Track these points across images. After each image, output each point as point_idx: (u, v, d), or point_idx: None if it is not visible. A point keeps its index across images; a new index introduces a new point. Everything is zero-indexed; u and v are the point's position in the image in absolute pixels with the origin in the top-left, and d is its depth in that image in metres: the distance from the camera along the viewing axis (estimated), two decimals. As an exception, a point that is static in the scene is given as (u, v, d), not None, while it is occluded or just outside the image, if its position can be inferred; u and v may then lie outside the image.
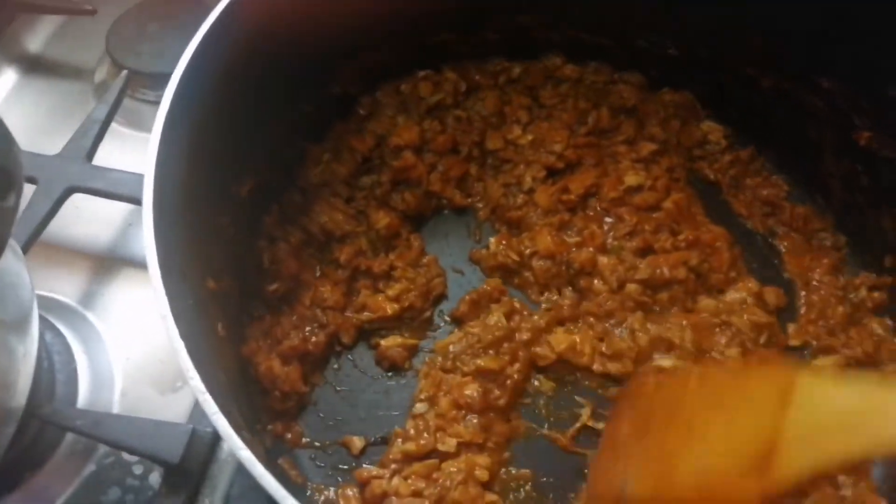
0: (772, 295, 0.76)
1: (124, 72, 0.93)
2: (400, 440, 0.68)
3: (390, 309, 0.76)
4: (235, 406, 0.59)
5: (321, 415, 0.73)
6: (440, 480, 0.64)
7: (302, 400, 0.72)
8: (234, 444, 0.43)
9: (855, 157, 0.77)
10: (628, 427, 0.64)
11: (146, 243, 0.50)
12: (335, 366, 0.76)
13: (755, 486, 0.51)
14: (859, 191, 0.78)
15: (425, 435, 0.68)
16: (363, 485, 0.66)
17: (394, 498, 0.64)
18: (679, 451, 0.58)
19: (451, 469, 0.65)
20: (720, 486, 0.54)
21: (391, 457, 0.67)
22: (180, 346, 0.45)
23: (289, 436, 0.70)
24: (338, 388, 0.74)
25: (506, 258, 0.79)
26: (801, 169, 0.84)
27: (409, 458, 0.67)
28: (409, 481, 0.65)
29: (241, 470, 0.71)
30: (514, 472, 0.69)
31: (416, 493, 0.64)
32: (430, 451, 0.67)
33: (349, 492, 0.66)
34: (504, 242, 0.80)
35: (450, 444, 0.67)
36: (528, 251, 0.79)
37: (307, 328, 0.74)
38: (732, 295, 0.76)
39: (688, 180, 0.86)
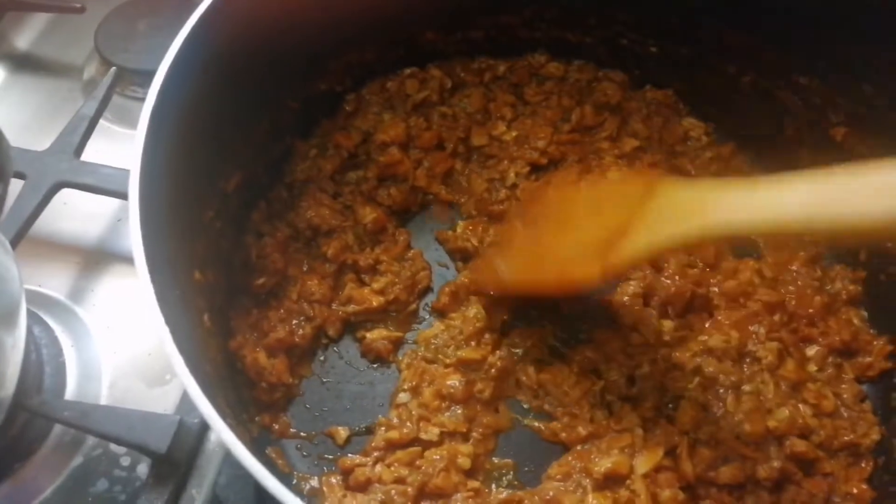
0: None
1: (113, 68, 0.93)
2: (383, 429, 0.69)
3: (376, 302, 0.77)
4: (221, 396, 0.60)
5: (307, 406, 0.74)
6: (423, 468, 0.65)
7: (290, 392, 0.73)
8: (219, 427, 0.44)
9: (831, 153, 0.79)
10: (519, 223, 0.72)
11: (132, 232, 0.51)
12: (321, 358, 0.77)
13: (601, 263, 0.59)
14: (836, 186, 0.80)
15: (408, 424, 0.69)
16: (347, 473, 0.67)
17: (377, 484, 0.65)
18: (550, 241, 0.67)
19: (434, 457, 0.66)
20: (573, 267, 0.62)
21: (374, 445, 0.68)
22: (165, 332, 0.46)
23: (276, 427, 0.71)
24: (324, 380, 0.75)
25: (465, 242, 0.81)
26: (779, 164, 0.85)
27: (392, 447, 0.68)
28: (392, 468, 0.66)
29: (228, 460, 0.71)
30: (496, 461, 0.70)
31: (399, 480, 0.65)
32: (413, 440, 0.68)
33: (333, 479, 0.67)
34: (470, 228, 0.81)
35: (432, 433, 0.68)
36: (488, 240, 0.80)
37: (294, 321, 0.75)
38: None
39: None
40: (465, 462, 0.66)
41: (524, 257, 0.69)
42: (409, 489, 0.64)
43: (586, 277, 0.61)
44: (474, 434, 0.70)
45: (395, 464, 0.66)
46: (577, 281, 0.62)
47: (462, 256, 0.82)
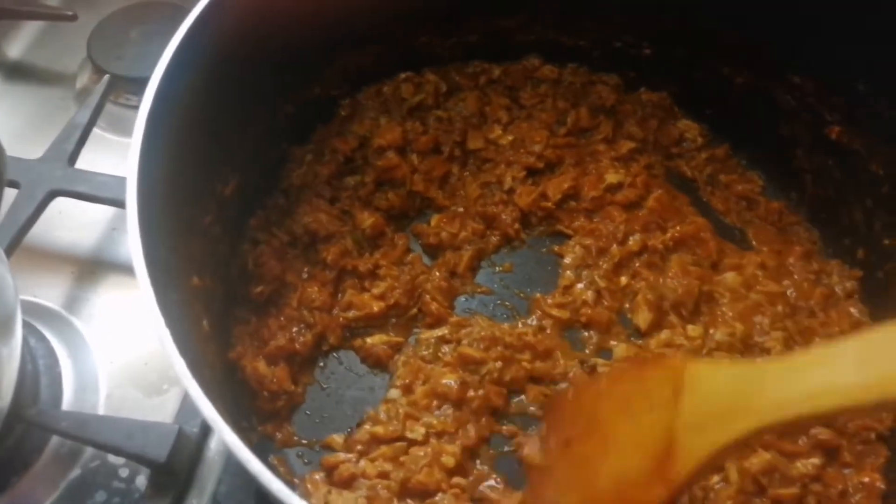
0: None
1: (106, 76, 0.93)
2: (369, 424, 0.69)
3: (376, 307, 0.76)
4: (220, 403, 0.59)
5: (307, 413, 0.73)
6: (406, 463, 0.65)
7: (292, 399, 0.72)
8: (221, 429, 0.43)
9: (827, 152, 0.80)
10: (554, 439, 0.66)
11: (130, 236, 0.50)
12: (321, 364, 0.76)
13: (664, 481, 0.52)
14: (832, 185, 0.81)
15: (395, 421, 0.68)
16: (330, 469, 0.66)
17: (361, 479, 0.64)
18: (597, 458, 0.59)
19: (419, 453, 0.66)
20: (635, 487, 0.55)
21: (356, 437, 0.68)
22: (166, 334, 0.45)
23: (279, 435, 0.71)
24: (324, 386, 0.75)
25: (437, 238, 0.81)
26: (774, 165, 0.87)
27: (376, 441, 0.67)
28: (376, 463, 0.65)
29: (228, 469, 0.71)
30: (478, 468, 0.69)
31: (383, 475, 0.64)
32: (399, 437, 0.68)
33: (317, 476, 0.66)
34: (444, 221, 0.82)
35: (418, 431, 0.67)
36: (460, 235, 0.81)
37: (294, 328, 0.74)
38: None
39: (665, 178, 0.88)
40: (448, 460, 0.65)
41: (577, 487, 0.61)
42: (393, 484, 0.63)
43: (655, 500, 0.53)
44: (461, 436, 0.68)
45: (380, 459, 0.65)
46: (646, 500, 0.55)
47: (433, 251, 0.82)
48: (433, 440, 0.68)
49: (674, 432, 0.53)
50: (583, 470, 0.61)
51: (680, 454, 0.52)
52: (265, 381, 0.70)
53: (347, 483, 0.65)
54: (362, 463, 0.66)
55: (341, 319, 0.76)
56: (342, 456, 0.67)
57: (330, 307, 0.76)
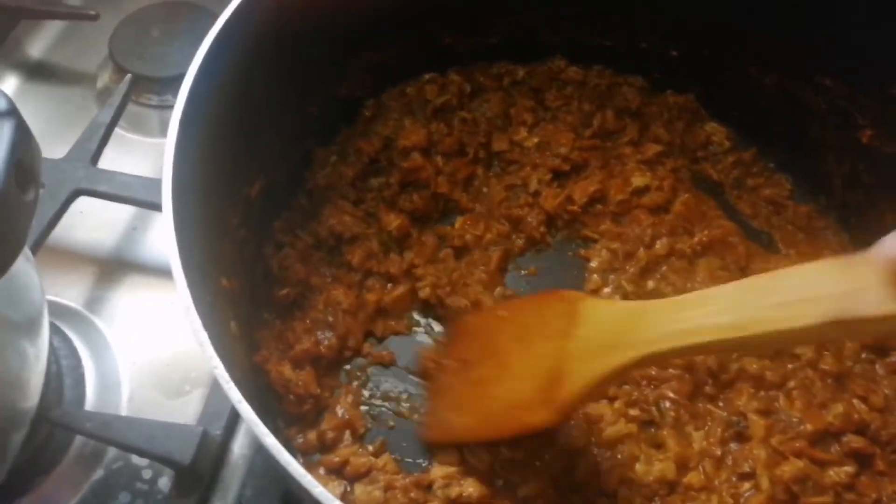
0: None
1: (128, 76, 0.92)
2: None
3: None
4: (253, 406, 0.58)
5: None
6: None
7: (318, 403, 0.71)
8: (260, 432, 0.43)
9: (857, 156, 0.79)
10: (454, 360, 0.70)
11: (167, 237, 0.50)
12: (346, 367, 0.75)
13: (551, 405, 0.57)
14: (862, 189, 0.80)
15: None
16: (338, 469, 0.66)
17: (375, 472, 0.65)
18: (491, 381, 0.64)
19: None
20: (524, 410, 0.60)
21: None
22: (204, 337, 0.45)
23: (301, 440, 0.70)
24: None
25: (461, 240, 0.80)
26: (803, 168, 0.86)
27: None
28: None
29: (253, 472, 0.70)
30: None
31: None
32: None
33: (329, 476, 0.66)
34: (468, 223, 0.81)
35: None
36: (485, 237, 0.80)
37: (319, 332, 0.73)
38: None
39: (692, 181, 0.87)
40: None
41: (471, 407, 0.66)
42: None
43: (541, 423, 0.59)
44: None
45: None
46: (533, 426, 0.60)
47: (458, 253, 0.81)
48: None
49: (564, 361, 0.58)
50: (478, 392, 0.65)
51: (567, 381, 0.57)
52: (290, 385, 0.69)
53: (363, 475, 0.65)
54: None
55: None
56: (346, 450, 0.67)
57: (355, 310, 0.75)
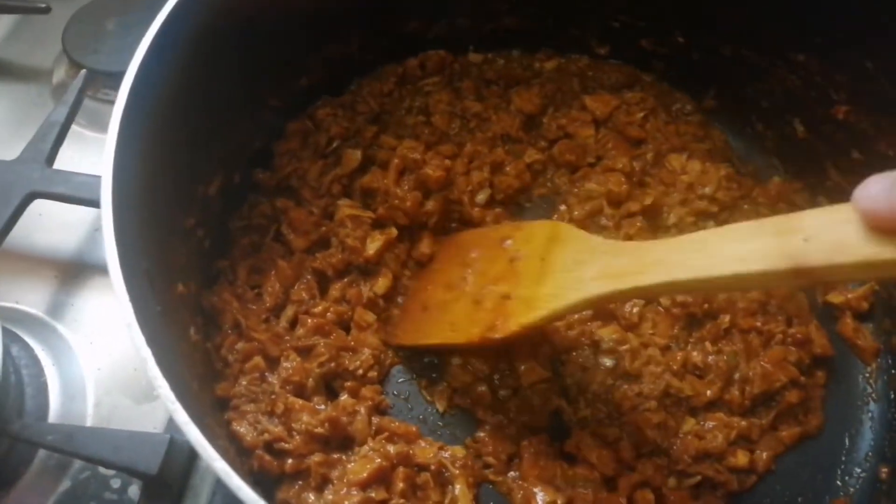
0: None
1: (83, 71, 0.89)
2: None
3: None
4: (211, 416, 0.57)
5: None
6: None
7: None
8: (209, 456, 0.41)
9: (833, 132, 0.77)
10: (425, 282, 0.72)
11: (107, 246, 0.47)
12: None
13: (515, 323, 0.60)
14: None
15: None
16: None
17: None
18: (460, 287, 0.67)
19: None
20: (492, 320, 0.62)
21: None
22: (147, 353, 0.43)
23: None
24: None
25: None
26: (778, 145, 0.84)
27: None
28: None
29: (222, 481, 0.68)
30: None
31: None
32: None
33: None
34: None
35: None
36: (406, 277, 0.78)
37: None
38: None
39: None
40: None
41: (438, 308, 0.68)
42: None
43: (505, 337, 0.61)
44: None
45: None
46: (498, 340, 0.62)
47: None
48: None
49: (539, 279, 0.60)
50: (447, 295, 0.68)
51: (540, 299, 0.59)
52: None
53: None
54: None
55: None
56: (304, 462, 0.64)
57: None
